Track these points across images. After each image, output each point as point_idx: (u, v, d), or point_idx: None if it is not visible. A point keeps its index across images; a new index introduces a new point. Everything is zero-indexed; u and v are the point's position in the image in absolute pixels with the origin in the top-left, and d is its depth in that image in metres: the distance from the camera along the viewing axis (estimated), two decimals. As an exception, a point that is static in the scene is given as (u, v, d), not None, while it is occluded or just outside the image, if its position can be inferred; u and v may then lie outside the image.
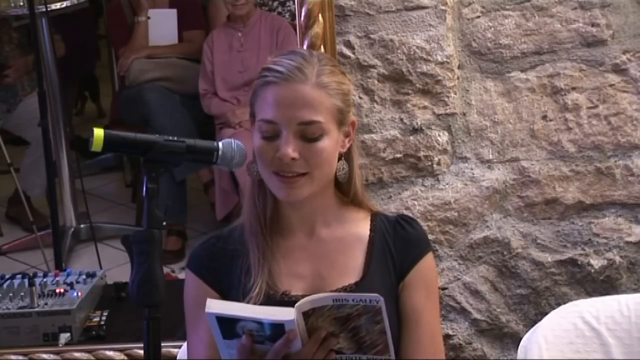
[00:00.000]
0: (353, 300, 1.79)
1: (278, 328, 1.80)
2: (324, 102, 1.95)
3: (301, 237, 2.05)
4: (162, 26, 4.56)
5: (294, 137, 1.93)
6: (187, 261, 2.10)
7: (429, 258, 2.06)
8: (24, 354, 3.16)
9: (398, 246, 2.04)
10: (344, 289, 1.98)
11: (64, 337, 3.18)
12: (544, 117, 2.94)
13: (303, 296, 1.88)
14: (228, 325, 1.83)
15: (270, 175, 1.96)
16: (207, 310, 1.81)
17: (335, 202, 2.06)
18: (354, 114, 2.05)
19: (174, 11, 4.57)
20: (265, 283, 1.98)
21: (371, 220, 2.08)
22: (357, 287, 1.98)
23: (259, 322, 1.80)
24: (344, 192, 2.07)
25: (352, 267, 2.02)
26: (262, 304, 1.93)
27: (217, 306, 1.83)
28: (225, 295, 2.02)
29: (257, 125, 1.97)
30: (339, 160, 2.01)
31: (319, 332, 1.82)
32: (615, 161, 2.94)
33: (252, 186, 2.05)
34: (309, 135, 1.93)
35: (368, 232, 2.06)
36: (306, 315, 1.81)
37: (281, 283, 2.00)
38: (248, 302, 1.95)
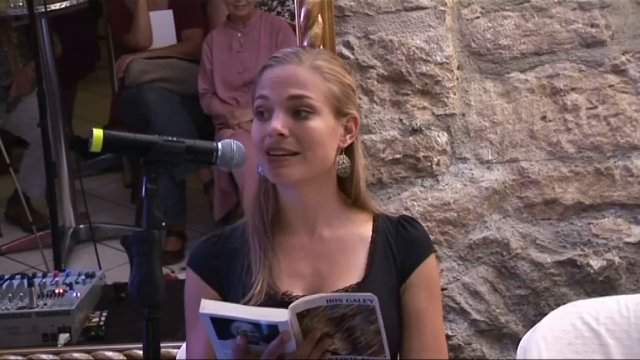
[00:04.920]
0: (347, 300, 1.79)
1: (272, 329, 1.80)
2: (317, 84, 1.96)
3: (302, 236, 2.04)
4: (159, 28, 4.55)
5: (284, 114, 1.94)
6: (187, 259, 2.10)
7: (431, 259, 2.05)
8: (23, 355, 3.15)
9: (400, 247, 2.04)
10: (345, 290, 1.97)
11: (63, 337, 3.18)
12: (544, 118, 2.94)
13: (304, 296, 1.88)
14: (223, 326, 1.83)
15: (263, 155, 1.96)
16: (201, 310, 1.82)
17: (337, 202, 2.06)
18: (357, 111, 2.05)
19: (170, 12, 4.57)
20: (265, 282, 1.98)
21: (373, 221, 2.07)
22: (358, 287, 1.98)
23: (253, 323, 1.81)
24: (347, 192, 2.07)
25: (354, 268, 2.02)
26: (262, 304, 1.93)
27: (211, 306, 1.83)
28: (225, 294, 2.02)
29: (254, 108, 1.99)
30: (339, 154, 2.01)
31: (314, 332, 1.82)
32: (615, 162, 2.94)
33: (258, 184, 2.05)
34: (298, 108, 1.94)
35: (370, 233, 2.05)
36: (300, 316, 1.81)
37: (281, 282, 2.00)
38: (249, 301, 1.95)
